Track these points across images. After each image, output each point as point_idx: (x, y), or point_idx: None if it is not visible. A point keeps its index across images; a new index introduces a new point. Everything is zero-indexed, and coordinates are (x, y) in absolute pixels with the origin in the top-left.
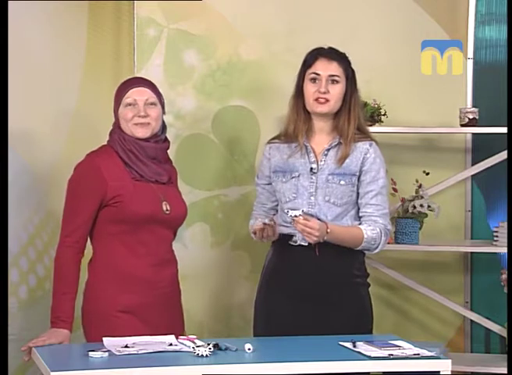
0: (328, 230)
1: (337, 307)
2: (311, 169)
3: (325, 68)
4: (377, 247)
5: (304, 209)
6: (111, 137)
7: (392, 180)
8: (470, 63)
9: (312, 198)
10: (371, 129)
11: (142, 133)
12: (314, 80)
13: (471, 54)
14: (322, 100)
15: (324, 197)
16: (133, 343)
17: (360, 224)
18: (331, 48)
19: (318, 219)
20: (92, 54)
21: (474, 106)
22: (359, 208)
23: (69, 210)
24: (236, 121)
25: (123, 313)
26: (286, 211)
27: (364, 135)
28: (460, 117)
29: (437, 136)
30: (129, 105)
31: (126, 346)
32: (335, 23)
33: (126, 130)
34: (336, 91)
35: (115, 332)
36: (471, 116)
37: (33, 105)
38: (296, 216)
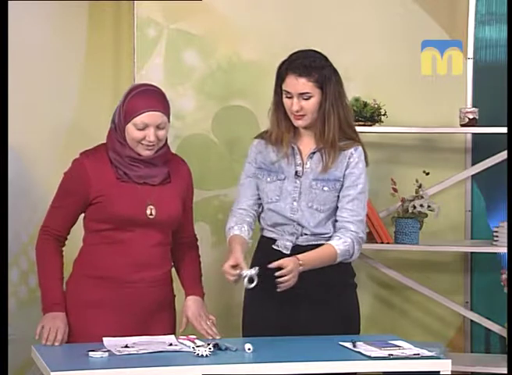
0: (301, 262)
1: (322, 309)
2: (296, 172)
3: (293, 86)
4: (351, 256)
5: (257, 268)
6: (109, 137)
7: (392, 180)
8: (470, 63)
9: (295, 203)
10: (371, 129)
11: (147, 154)
12: (287, 95)
13: (471, 54)
14: (298, 116)
15: (307, 203)
16: (133, 343)
17: (331, 237)
18: (303, 56)
19: (293, 254)
20: (92, 54)
21: (474, 106)
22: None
23: (52, 203)
24: (236, 121)
25: (93, 309)
26: (242, 273)
27: (351, 141)
28: (460, 117)
29: (437, 136)
30: (139, 129)
31: (126, 346)
32: (335, 23)
33: (130, 145)
34: (309, 106)
35: (85, 327)
36: (471, 116)
37: (32, 105)
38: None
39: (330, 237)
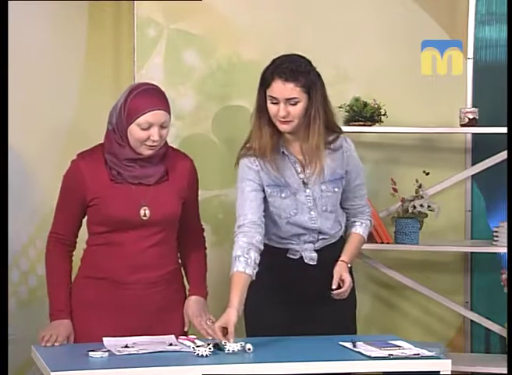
0: (349, 265)
1: (326, 309)
2: (303, 181)
3: (280, 92)
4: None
5: (241, 344)
6: (106, 139)
7: (392, 180)
8: (470, 63)
9: (312, 212)
10: (371, 129)
11: (149, 153)
12: (273, 101)
13: (471, 54)
14: (284, 121)
15: (321, 208)
16: (133, 343)
17: (352, 225)
18: (289, 60)
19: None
20: (92, 54)
21: (474, 106)
22: (342, 200)
23: (56, 207)
24: (236, 121)
25: (94, 310)
26: (225, 347)
27: (335, 134)
28: (460, 117)
29: (437, 136)
30: (144, 129)
31: (126, 346)
32: (335, 23)
33: (133, 146)
34: (297, 111)
35: (86, 328)
36: (471, 116)
37: (32, 105)
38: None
39: (339, 231)
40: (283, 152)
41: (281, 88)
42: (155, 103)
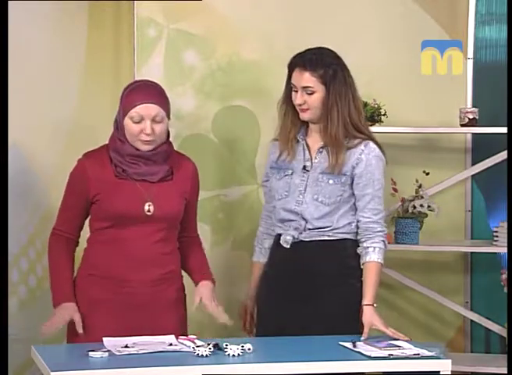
0: (375, 305)
1: (322, 307)
2: (304, 166)
3: (297, 80)
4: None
5: (244, 346)
6: (110, 138)
7: (392, 180)
8: (470, 63)
9: (301, 196)
10: (371, 129)
11: (146, 148)
12: (294, 89)
13: (471, 54)
14: (302, 108)
15: (312, 195)
16: (133, 343)
17: (364, 253)
18: (311, 53)
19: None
20: (92, 54)
21: (474, 106)
22: (356, 208)
23: (61, 205)
24: (236, 121)
25: (96, 308)
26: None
27: (361, 138)
28: (460, 117)
29: (437, 136)
30: (136, 122)
31: (126, 346)
32: (335, 23)
33: (130, 141)
34: (313, 101)
35: (88, 325)
36: (471, 116)
37: (32, 105)
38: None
39: (333, 230)
40: (299, 140)
41: (298, 76)
42: (146, 97)
